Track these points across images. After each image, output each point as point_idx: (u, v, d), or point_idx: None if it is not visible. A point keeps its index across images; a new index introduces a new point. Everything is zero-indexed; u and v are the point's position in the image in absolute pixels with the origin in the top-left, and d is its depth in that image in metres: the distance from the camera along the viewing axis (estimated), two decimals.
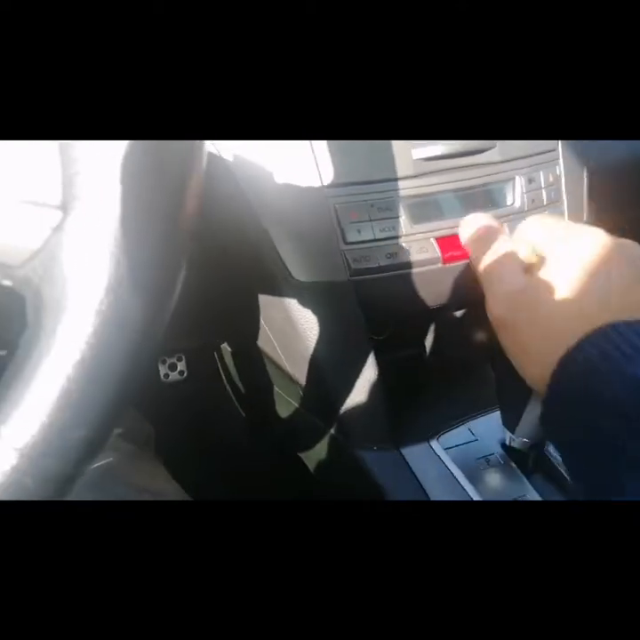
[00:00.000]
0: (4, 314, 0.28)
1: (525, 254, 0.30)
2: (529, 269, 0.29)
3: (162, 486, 0.45)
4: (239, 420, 0.75)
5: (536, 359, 0.26)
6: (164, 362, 0.85)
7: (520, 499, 0.39)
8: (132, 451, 0.47)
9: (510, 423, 0.38)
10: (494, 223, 0.34)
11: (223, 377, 0.76)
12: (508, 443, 0.40)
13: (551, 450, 0.42)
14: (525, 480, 0.41)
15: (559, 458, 0.42)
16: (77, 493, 0.38)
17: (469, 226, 0.34)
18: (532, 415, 0.36)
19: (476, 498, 0.39)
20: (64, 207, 0.17)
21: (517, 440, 0.38)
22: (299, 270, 0.40)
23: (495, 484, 0.40)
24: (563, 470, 0.41)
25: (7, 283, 0.20)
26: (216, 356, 0.77)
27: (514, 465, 0.41)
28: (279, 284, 0.41)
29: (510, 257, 0.30)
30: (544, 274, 0.28)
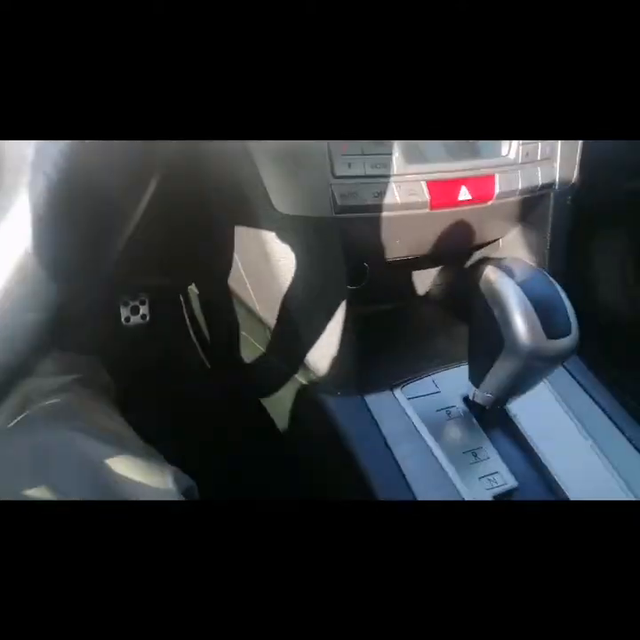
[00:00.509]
0: None
1: None
2: None
3: (115, 425, 0.43)
4: (202, 367, 0.74)
5: None
6: (125, 304, 0.82)
7: (476, 451, 0.40)
8: (87, 394, 0.45)
9: (476, 378, 0.39)
10: None
11: (188, 322, 0.74)
12: (471, 397, 0.40)
13: (511, 407, 0.43)
14: (483, 433, 0.41)
15: (518, 415, 0.43)
16: (30, 424, 0.36)
17: None
18: (497, 372, 0.36)
19: (433, 448, 0.39)
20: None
21: (481, 395, 0.39)
22: (282, 202, 0.38)
23: (454, 436, 0.41)
24: (520, 427, 0.42)
25: None
26: (182, 300, 0.75)
27: (474, 419, 0.42)
28: (260, 217, 0.40)
29: None
30: None
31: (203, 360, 0.72)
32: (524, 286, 0.34)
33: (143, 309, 0.82)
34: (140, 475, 0.34)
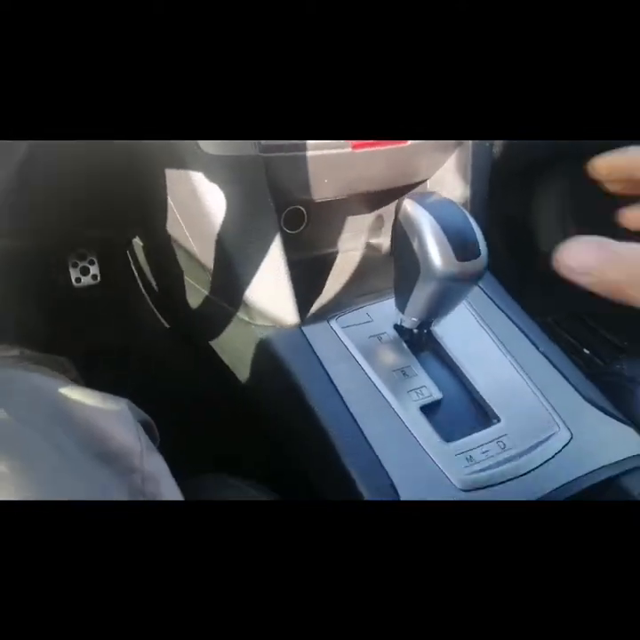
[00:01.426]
0: None
1: None
2: None
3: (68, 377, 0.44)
4: (156, 322, 0.75)
5: None
6: (75, 265, 0.81)
7: (405, 369, 0.44)
8: (38, 356, 0.45)
9: (401, 304, 0.42)
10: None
11: (136, 275, 0.75)
12: (399, 323, 0.44)
13: (436, 330, 0.46)
14: (411, 354, 0.45)
15: (443, 337, 0.47)
16: None
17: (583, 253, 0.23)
18: (418, 296, 0.39)
19: (365, 368, 0.43)
20: None
21: (407, 319, 0.42)
22: (207, 142, 0.39)
23: (384, 357, 0.44)
24: (445, 347, 0.46)
25: None
26: (129, 255, 0.75)
27: (403, 343, 0.45)
28: (186, 157, 0.41)
29: None
30: None
31: (155, 314, 0.74)
32: (436, 215, 0.37)
33: (93, 269, 0.82)
34: (96, 401, 0.35)
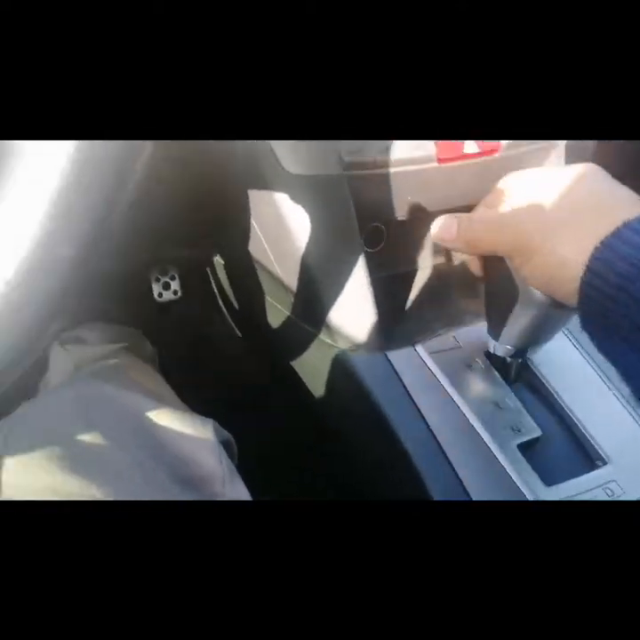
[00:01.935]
0: None
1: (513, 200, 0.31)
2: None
3: (159, 386, 0.45)
4: (235, 338, 0.76)
5: (567, 263, 0.27)
6: (157, 280, 0.84)
7: (498, 401, 0.40)
8: (133, 360, 0.47)
9: (495, 331, 0.38)
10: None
11: (217, 295, 0.76)
12: (491, 350, 0.40)
13: (533, 358, 0.42)
14: (505, 385, 0.41)
15: (540, 367, 0.43)
16: (75, 381, 0.38)
17: (448, 226, 0.36)
18: (515, 322, 0.36)
19: (456, 399, 0.40)
20: None
21: (501, 347, 0.39)
22: (290, 161, 0.38)
23: (475, 388, 0.41)
24: (542, 378, 0.42)
25: None
26: (209, 273, 0.77)
27: (495, 371, 0.42)
28: (270, 178, 0.40)
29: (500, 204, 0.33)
30: (545, 199, 0.29)
31: (233, 328, 0.75)
32: None
33: (174, 285, 0.85)
34: (181, 425, 0.36)
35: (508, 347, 0.38)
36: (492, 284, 0.38)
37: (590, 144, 0.53)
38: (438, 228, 0.35)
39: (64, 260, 0.19)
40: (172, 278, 0.85)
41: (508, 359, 0.40)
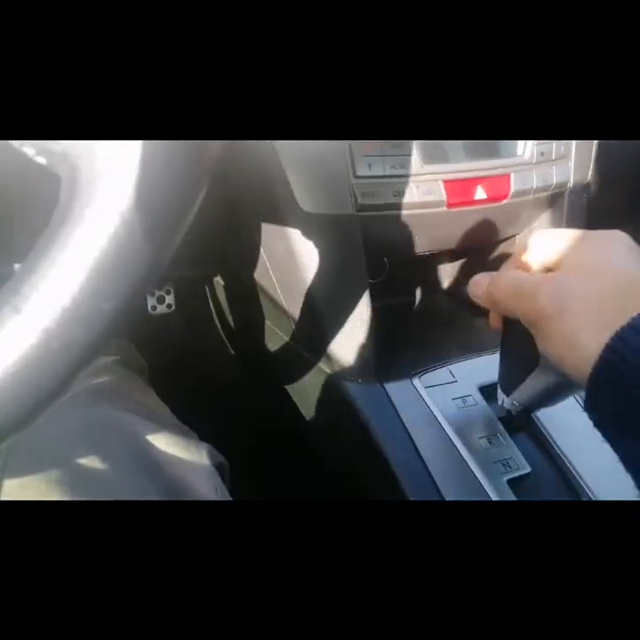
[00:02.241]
0: (33, 195, 0.28)
1: (538, 262, 0.30)
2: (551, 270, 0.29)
3: (154, 404, 0.46)
4: (228, 356, 0.76)
5: (580, 345, 0.25)
6: (152, 294, 0.85)
7: (490, 437, 0.42)
8: (126, 375, 0.48)
9: (507, 387, 0.38)
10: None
11: (213, 311, 0.77)
12: (499, 403, 0.40)
13: (538, 414, 0.44)
14: (497, 421, 0.43)
15: (545, 423, 0.44)
16: (84, 400, 0.39)
17: (479, 284, 0.33)
18: (531, 386, 0.35)
19: (450, 434, 0.41)
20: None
21: (509, 403, 0.38)
22: (306, 200, 0.40)
23: (470, 423, 0.43)
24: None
25: (41, 160, 0.20)
26: (207, 290, 0.78)
27: (488, 407, 0.44)
28: (286, 215, 0.42)
29: (527, 264, 0.31)
30: (567, 270, 0.27)
31: (228, 348, 0.75)
32: None
33: (169, 299, 0.86)
34: (179, 450, 0.37)
35: (517, 405, 0.38)
36: (510, 345, 0.37)
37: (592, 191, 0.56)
38: (471, 283, 0.34)
39: (104, 313, 0.19)
40: (168, 292, 0.85)
41: (514, 413, 0.40)
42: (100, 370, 0.46)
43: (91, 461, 0.33)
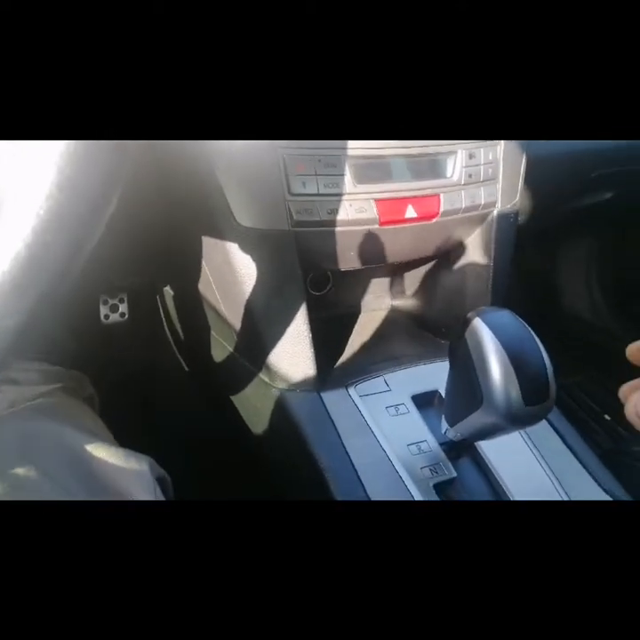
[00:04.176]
0: None
1: None
2: None
3: (94, 423, 0.46)
4: (178, 366, 0.77)
5: None
6: (105, 302, 0.84)
7: (419, 443, 0.44)
8: (72, 401, 0.47)
9: (451, 419, 0.40)
10: None
11: (164, 321, 0.77)
12: (442, 431, 0.42)
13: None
14: (426, 428, 0.45)
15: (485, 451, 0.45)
16: (19, 417, 0.38)
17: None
18: (472, 422, 0.37)
19: (381, 441, 0.43)
20: None
21: (453, 433, 0.40)
22: (243, 216, 0.41)
23: (401, 431, 0.45)
24: (487, 462, 0.45)
25: None
26: (158, 299, 0.78)
27: (419, 416, 0.46)
28: (223, 228, 0.43)
29: None
30: None
31: (178, 359, 0.76)
32: (507, 345, 0.33)
33: (122, 308, 0.85)
34: (116, 459, 0.37)
35: (460, 435, 0.40)
36: (457, 378, 0.38)
37: (521, 210, 0.59)
38: (635, 403, 0.28)
39: (4, 330, 0.20)
40: (121, 301, 0.85)
41: (456, 440, 0.42)
42: (42, 394, 0.45)
43: (28, 471, 0.33)
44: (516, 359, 0.33)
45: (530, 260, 1.01)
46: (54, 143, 0.19)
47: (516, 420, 0.33)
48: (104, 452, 0.38)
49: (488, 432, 0.37)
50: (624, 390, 0.28)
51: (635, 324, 0.96)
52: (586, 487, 0.45)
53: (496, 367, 0.33)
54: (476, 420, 0.36)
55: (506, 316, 0.35)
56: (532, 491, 0.44)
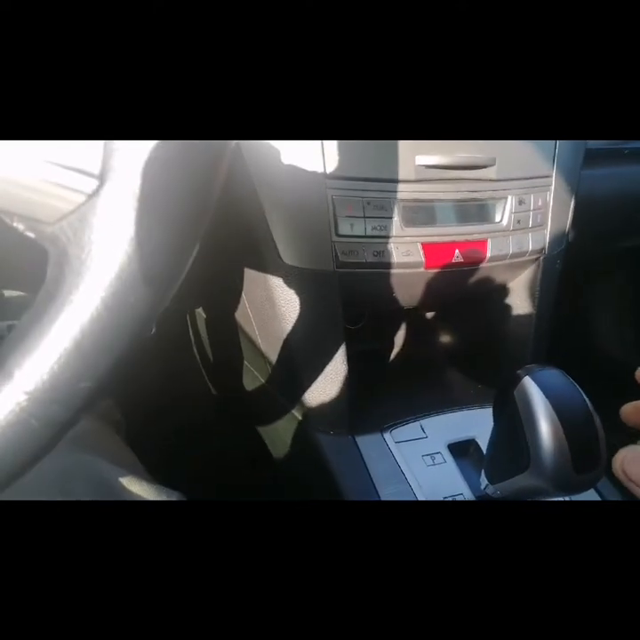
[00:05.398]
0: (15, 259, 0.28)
1: None
2: None
3: (126, 454, 0.46)
4: (205, 390, 0.76)
5: None
6: None
7: (455, 496, 0.42)
8: (103, 428, 0.48)
9: (493, 477, 0.38)
10: None
11: (193, 341, 0.77)
12: (482, 488, 0.40)
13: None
14: (463, 481, 0.44)
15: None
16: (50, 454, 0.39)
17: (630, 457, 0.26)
18: (516, 483, 0.35)
19: (416, 490, 0.42)
20: (101, 176, 0.18)
21: (492, 490, 0.38)
22: (288, 254, 0.41)
23: (436, 482, 0.43)
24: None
25: (30, 234, 0.20)
26: (188, 319, 0.78)
27: (456, 466, 0.44)
28: (267, 265, 0.43)
29: None
30: None
31: (206, 382, 0.75)
32: (560, 409, 0.31)
33: None
34: (150, 495, 0.37)
35: (499, 493, 0.38)
36: (503, 436, 0.37)
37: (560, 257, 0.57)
38: (623, 462, 0.26)
39: (82, 392, 0.20)
40: None
41: (495, 497, 0.39)
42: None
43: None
44: (568, 423, 0.31)
45: (569, 301, 0.99)
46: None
47: (564, 486, 0.32)
48: (137, 487, 0.38)
49: (531, 494, 0.36)
50: (626, 411, 0.28)
51: None
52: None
53: (546, 430, 0.31)
54: (521, 481, 0.34)
55: (556, 376, 0.33)
56: None
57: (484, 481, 0.40)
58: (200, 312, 0.70)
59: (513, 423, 0.34)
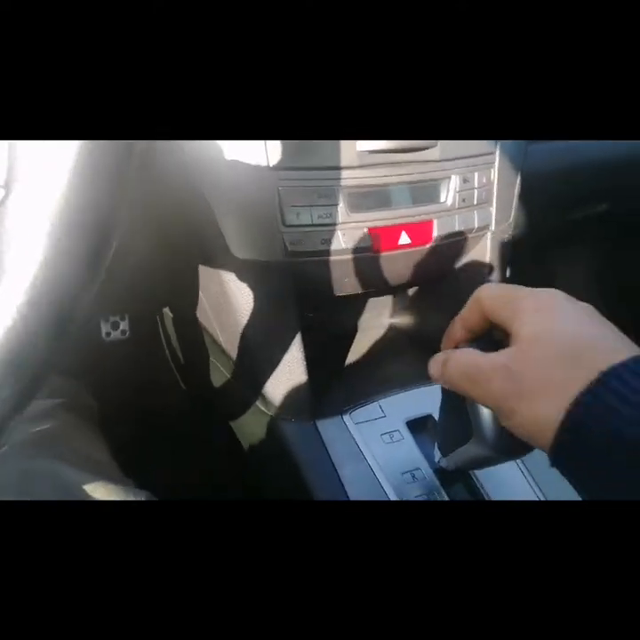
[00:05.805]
0: None
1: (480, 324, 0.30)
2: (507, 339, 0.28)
3: (101, 458, 0.46)
4: (177, 388, 0.77)
5: (542, 423, 0.24)
6: (106, 319, 0.84)
7: (413, 471, 0.44)
8: (73, 421, 0.48)
9: (444, 449, 0.39)
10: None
11: (163, 341, 0.77)
12: (436, 460, 0.41)
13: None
14: (422, 455, 0.45)
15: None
16: (17, 452, 0.39)
17: (436, 364, 0.31)
18: (465, 453, 0.36)
19: (376, 470, 0.43)
20: (6, 186, 0.19)
21: (445, 462, 0.39)
22: (238, 247, 0.42)
23: (396, 458, 0.45)
24: (481, 489, 0.45)
25: None
26: (158, 320, 0.78)
27: (414, 442, 0.46)
28: (218, 259, 0.43)
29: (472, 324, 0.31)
30: (515, 346, 0.26)
31: (178, 380, 0.76)
32: None
33: (123, 325, 0.85)
34: (117, 497, 0.37)
35: (453, 465, 0.39)
36: (449, 411, 0.38)
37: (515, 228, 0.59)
38: (430, 363, 0.32)
39: (2, 401, 0.20)
40: (122, 318, 0.85)
41: (449, 469, 0.40)
42: (43, 414, 0.45)
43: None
44: None
45: (529, 274, 1.01)
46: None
47: (506, 451, 0.33)
48: (102, 490, 0.38)
49: (480, 463, 0.37)
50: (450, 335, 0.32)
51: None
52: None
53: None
54: (468, 451, 0.35)
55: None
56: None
57: (437, 454, 0.41)
58: (167, 311, 0.70)
59: (456, 396, 0.35)
